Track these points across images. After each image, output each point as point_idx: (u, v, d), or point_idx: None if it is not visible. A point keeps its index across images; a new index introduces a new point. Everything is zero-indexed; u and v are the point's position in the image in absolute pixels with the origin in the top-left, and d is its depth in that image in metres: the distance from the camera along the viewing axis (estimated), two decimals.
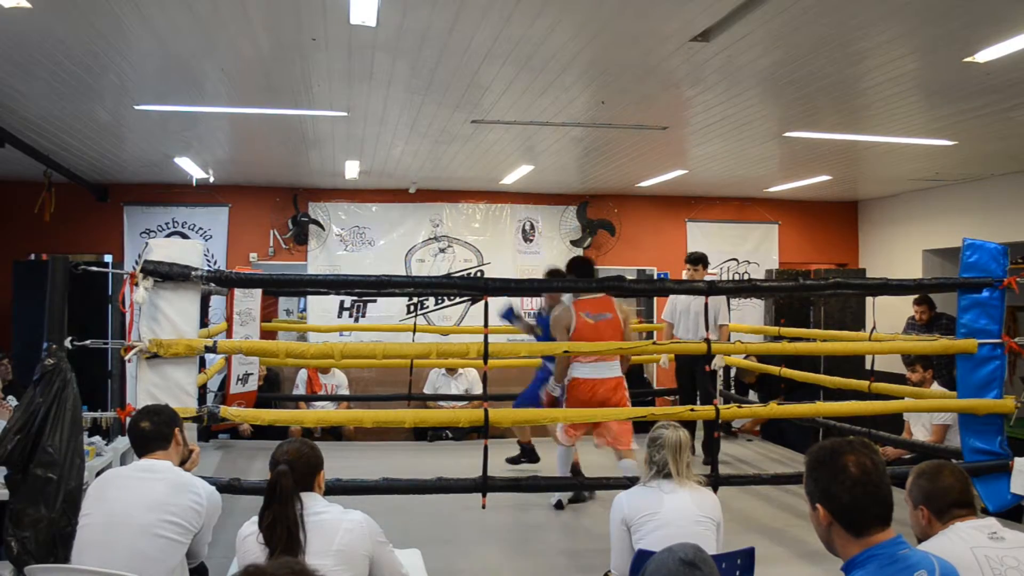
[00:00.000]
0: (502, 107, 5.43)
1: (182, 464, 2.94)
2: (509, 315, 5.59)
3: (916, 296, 7.23)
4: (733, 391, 7.83)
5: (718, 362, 6.39)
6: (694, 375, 6.54)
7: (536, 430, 6.01)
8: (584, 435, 5.12)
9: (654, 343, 5.92)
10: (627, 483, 3.82)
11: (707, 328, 4.84)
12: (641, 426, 4.66)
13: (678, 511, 2.99)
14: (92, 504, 2.71)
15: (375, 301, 9.10)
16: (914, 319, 7.43)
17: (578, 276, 5.14)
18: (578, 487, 5.06)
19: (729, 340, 6.38)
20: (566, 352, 4.76)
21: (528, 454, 6.03)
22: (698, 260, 6.53)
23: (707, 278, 6.43)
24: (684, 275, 6.82)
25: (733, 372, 7.94)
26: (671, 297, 6.77)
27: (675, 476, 3.09)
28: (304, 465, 2.53)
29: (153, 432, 2.85)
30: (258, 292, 6.34)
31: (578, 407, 4.83)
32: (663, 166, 7.72)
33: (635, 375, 8.09)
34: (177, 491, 2.71)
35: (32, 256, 8.56)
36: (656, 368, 8.93)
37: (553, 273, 5.60)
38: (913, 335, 6.89)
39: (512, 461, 6.05)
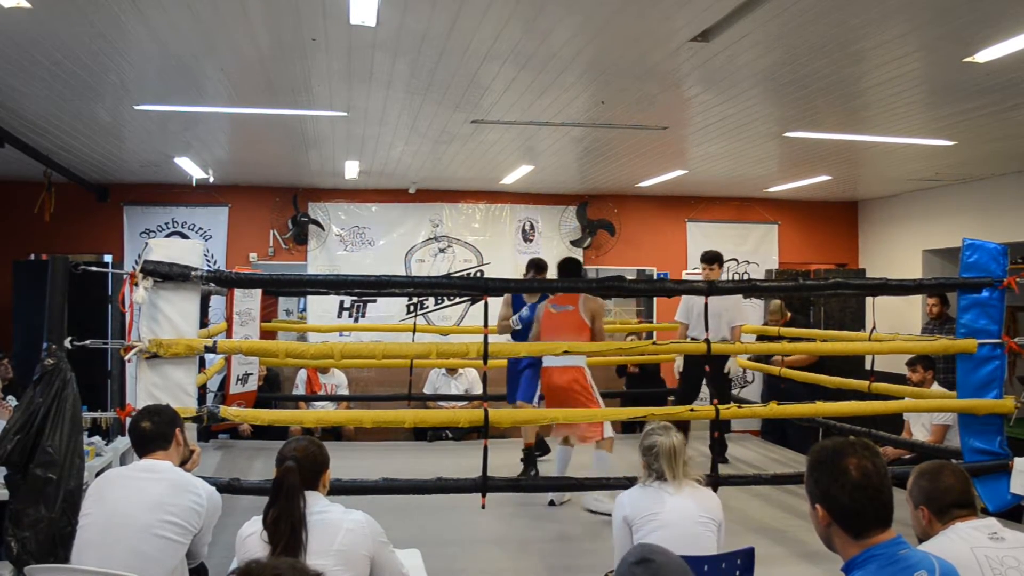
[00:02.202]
0: (502, 107, 5.43)
1: (183, 464, 2.93)
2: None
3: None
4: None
5: (732, 366, 6.34)
6: (702, 377, 6.53)
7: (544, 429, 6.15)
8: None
9: (654, 343, 5.91)
10: (627, 483, 3.81)
11: (707, 329, 4.83)
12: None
13: (679, 511, 3.00)
14: (92, 504, 2.71)
15: (375, 301, 9.09)
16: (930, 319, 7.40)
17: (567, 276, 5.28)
18: (578, 487, 5.06)
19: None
20: (566, 352, 4.80)
21: (540, 445, 6.17)
22: (713, 259, 6.44)
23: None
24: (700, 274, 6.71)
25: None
26: (685, 297, 6.64)
27: (672, 481, 3.10)
28: (311, 463, 2.53)
29: (153, 432, 2.85)
30: (258, 292, 6.34)
31: (545, 393, 5.15)
32: (663, 166, 7.72)
33: (652, 375, 8.10)
34: (177, 491, 2.70)
35: (32, 256, 8.55)
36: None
37: (535, 265, 5.80)
38: (926, 336, 6.86)
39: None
